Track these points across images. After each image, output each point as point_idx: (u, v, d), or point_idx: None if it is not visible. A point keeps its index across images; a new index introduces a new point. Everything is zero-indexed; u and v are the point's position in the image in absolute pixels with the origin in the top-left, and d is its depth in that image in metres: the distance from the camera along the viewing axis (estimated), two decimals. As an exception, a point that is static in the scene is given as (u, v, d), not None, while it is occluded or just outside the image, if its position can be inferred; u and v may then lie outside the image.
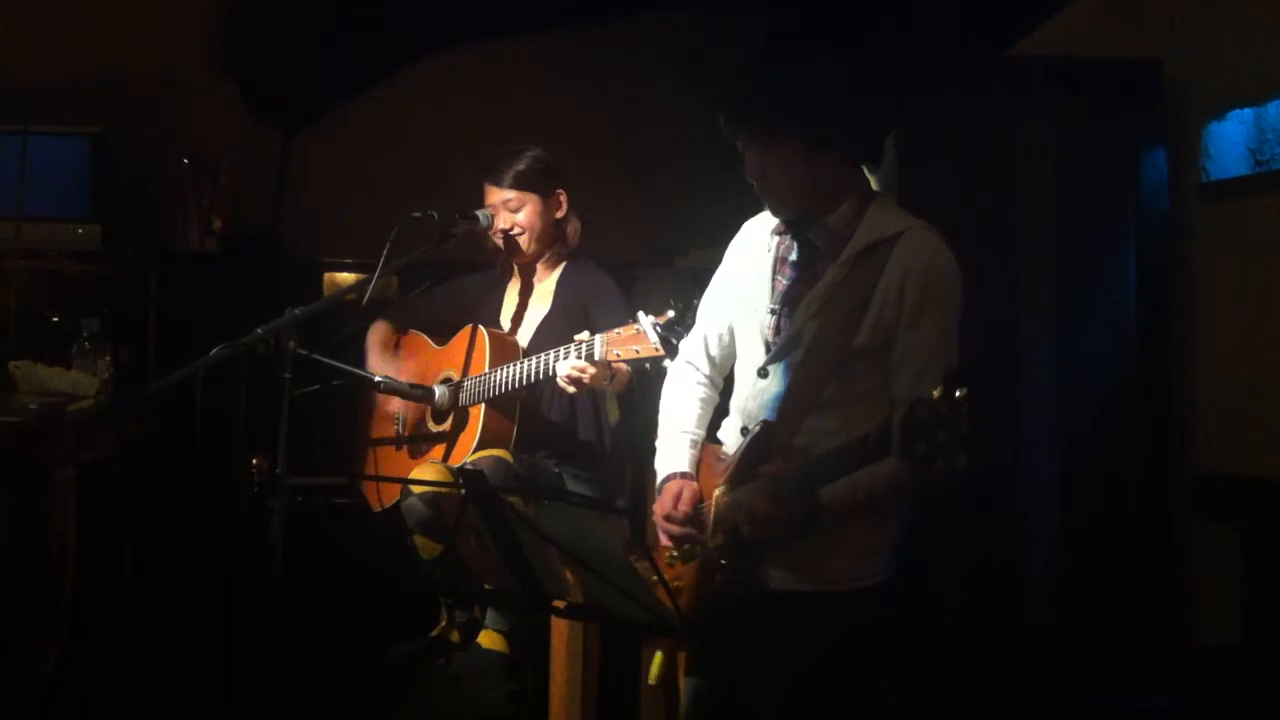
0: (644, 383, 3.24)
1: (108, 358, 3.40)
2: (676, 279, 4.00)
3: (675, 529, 2.47)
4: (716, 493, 2.46)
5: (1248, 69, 3.47)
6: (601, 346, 2.96)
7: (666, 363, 2.77)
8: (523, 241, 3.44)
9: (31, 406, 2.90)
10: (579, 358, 3.04)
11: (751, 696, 2.44)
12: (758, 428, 2.40)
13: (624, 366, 3.10)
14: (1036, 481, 3.49)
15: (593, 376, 3.06)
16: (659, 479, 2.56)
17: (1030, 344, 3.47)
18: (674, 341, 2.78)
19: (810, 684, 2.37)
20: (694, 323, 2.70)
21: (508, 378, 3.25)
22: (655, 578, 2.29)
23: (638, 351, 2.88)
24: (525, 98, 4.65)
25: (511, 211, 3.42)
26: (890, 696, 2.95)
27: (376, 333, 3.63)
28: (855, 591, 2.39)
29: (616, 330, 2.94)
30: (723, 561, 2.40)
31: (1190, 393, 3.64)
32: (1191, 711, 3.45)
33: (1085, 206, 3.55)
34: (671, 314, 2.82)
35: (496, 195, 3.43)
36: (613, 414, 3.23)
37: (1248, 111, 3.48)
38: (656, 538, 2.52)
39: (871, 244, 2.35)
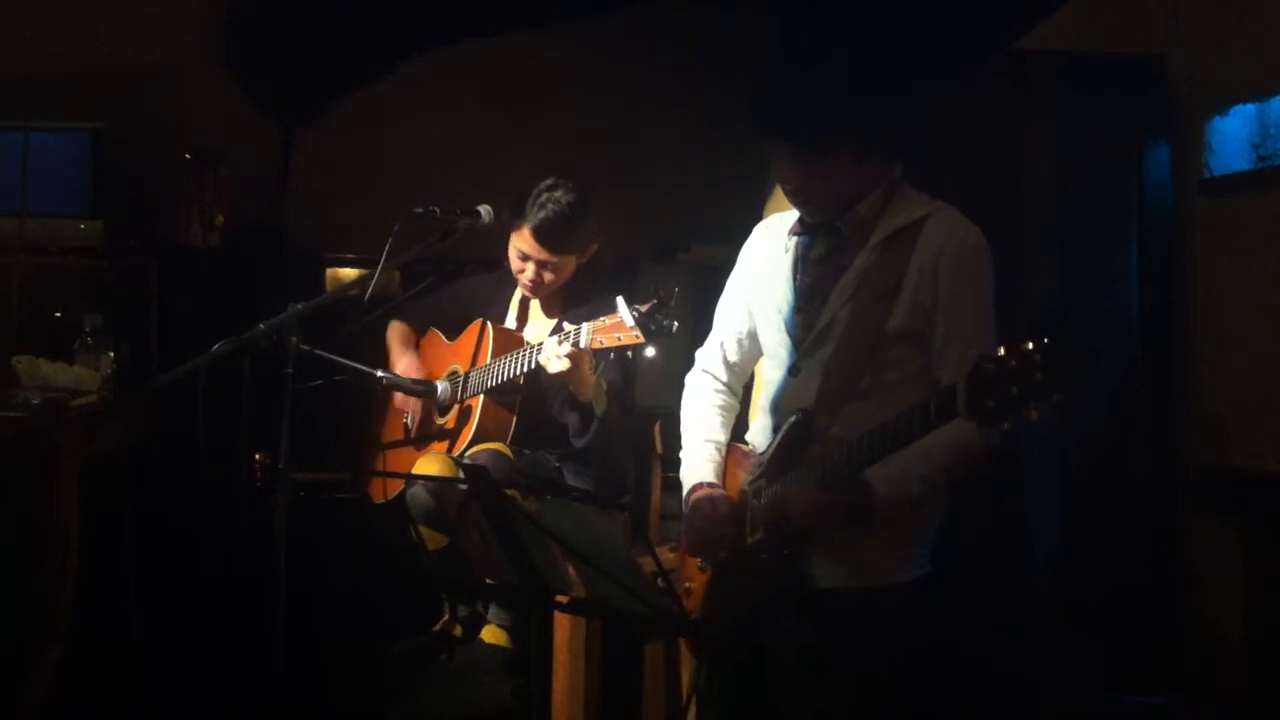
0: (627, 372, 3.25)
1: (110, 353, 3.40)
2: (679, 275, 3.99)
3: (714, 532, 2.43)
4: (753, 487, 2.42)
5: (1250, 64, 3.47)
6: (588, 335, 2.96)
7: (649, 351, 2.76)
8: (542, 290, 3.38)
9: (34, 402, 2.90)
10: (567, 346, 3.04)
11: (785, 697, 2.39)
12: (794, 417, 2.37)
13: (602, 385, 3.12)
14: (1038, 478, 3.49)
15: (580, 367, 3.05)
16: (685, 490, 2.55)
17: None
18: (652, 329, 2.79)
19: (851, 682, 2.32)
20: (676, 309, 2.68)
21: (501, 368, 3.26)
22: (658, 572, 2.29)
23: (620, 339, 2.88)
24: (527, 93, 4.65)
25: (547, 270, 3.32)
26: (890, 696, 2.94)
27: (395, 331, 3.63)
28: (900, 585, 2.35)
29: (601, 319, 2.94)
30: (764, 556, 2.36)
31: (1193, 388, 3.64)
32: (1193, 707, 3.45)
33: (1088, 201, 3.56)
34: (654, 301, 2.82)
35: (531, 248, 3.29)
36: (599, 406, 3.22)
37: (1250, 107, 3.48)
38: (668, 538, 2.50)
39: (900, 228, 2.35)
